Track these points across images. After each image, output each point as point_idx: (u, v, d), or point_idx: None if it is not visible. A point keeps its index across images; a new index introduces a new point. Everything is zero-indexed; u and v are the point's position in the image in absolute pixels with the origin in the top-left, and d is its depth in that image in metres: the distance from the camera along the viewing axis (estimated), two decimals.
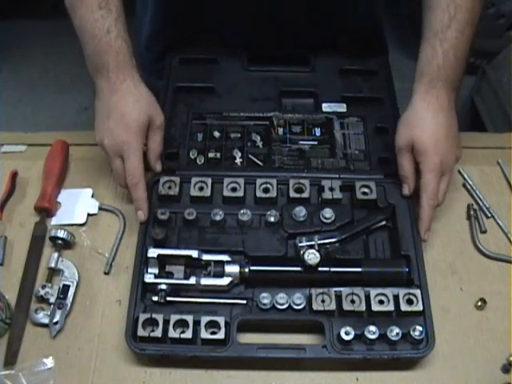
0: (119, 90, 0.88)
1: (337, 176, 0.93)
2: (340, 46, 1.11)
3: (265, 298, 0.81)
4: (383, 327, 0.78)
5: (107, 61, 0.87)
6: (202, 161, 0.96)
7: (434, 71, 0.87)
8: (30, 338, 0.82)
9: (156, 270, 0.82)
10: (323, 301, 0.80)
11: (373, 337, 0.77)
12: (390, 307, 0.80)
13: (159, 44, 1.13)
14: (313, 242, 0.84)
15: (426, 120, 0.87)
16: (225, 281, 0.82)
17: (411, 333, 0.77)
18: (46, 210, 0.93)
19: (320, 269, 0.82)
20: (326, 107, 1.02)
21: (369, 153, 0.96)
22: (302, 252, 0.83)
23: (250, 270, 0.82)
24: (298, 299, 0.80)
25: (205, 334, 0.78)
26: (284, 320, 0.81)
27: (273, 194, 0.90)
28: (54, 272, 0.87)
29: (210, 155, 0.96)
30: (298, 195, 0.90)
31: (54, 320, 0.82)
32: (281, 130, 0.99)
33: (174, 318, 0.79)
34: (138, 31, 1.15)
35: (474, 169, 1.00)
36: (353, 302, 0.80)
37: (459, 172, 0.99)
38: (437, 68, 0.87)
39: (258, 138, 0.98)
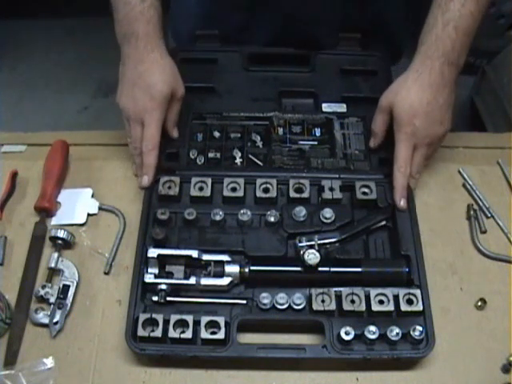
0: (146, 60, 0.89)
1: (337, 176, 0.93)
2: (340, 46, 1.11)
3: (265, 298, 0.81)
4: (383, 327, 0.78)
5: (137, 29, 0.89)
6: (202, 161, 0.96)
7: (431, 40, 0.87)
8: (30, 338, 0.82)
9: (156, 270, 0.82)
10: (323, 301, 0.80)
11: (373, 337, 0.77)
12: (390, 307, 0.80)
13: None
14: (313, 242, 0.84)
15: (410, 91, 0.87)
16: (225, 281, 0.82)
17: (411, 333, 0.77)
18: (46, 210, 0.93)
19: (320, 269, 0.82)
20: (325, 107, 1.02)
21: (369, 153, 0.96)
22: (302, 252, 0.82)
23: (250, 270, 0.82)
24: (298, 299, 0.80)
25: (205, 334, 0.78)
26: (284, 320, 0.81)
27: (273, 194, 0.90)
28: (54, 272, 0.87)
29: (210, 155, 0.96)
30: (298, 195, 0.90)
31: (54, 320, 0.82)
32: (281, 130, 0.99)
33: (173, 317, 0.79)
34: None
35: (474, 169, 1.00)
36: (353, 302, 0.80)
37: (459, 172, 0.99)
38: (435, 37, 0.86)
39: (258, 138, 0.98)
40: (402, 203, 0.88)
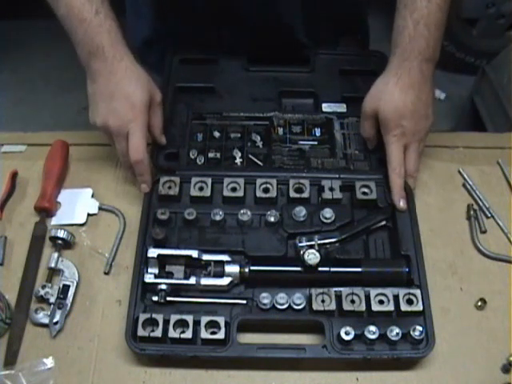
0: (118, 70, 0.87)
1: (337, 176, 0.93)
2: (340, 46, 1.11)
3: (265, 298, 0.81)
4: (383, 327, 0.78)
5: (100, 41, 0.87)
6: (202, 161, 0.96)
7: (405, 42, 0.87)
8: (30, 337, 0.82)
9: (156, 270, 0.82)
10: (323, 301, 0.80)
11: (373, 337, 0.77)
12: (390, 307, 0.80)
13: (155, 50, 1.13)
14: (313, 242, 0.84)
15: (393, 95, 0.87)
16: (225, 281, 0.82)
17: (411, 333, 0.77)
18: (46, 210, 0.93)
19: (320, 269, 0.82)
20: (325, 107, 1.03)
21: (369, 153, 0.96)
22: (302, 252, 0.82)
23: (250, 270, 0.82)
24: (298, 299, 0.80)
25: (205, 334, 0.78)
26: (284, 320, 0.81)
27: (273, 194, 0.90)
28: (54, 272, 0.87)
29: (210, 155, 0.96)
30: (298, 195, 0.90)
31: (54, 320, 0.82)
32: (281, 130, 0.99)
33: (173, 317, 0.79)
34: (131, 35, 1.15)
35: (474, 169, 1.00)
36: (353, 302, 0.80)
37: (459, 172, 0.99)
38: (408, 39, 0.87)
39: (258, 137, 0.98)
40: (401, 204, 0.88)
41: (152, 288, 0.82)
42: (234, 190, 0.91)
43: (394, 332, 0.77)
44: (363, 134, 0.95)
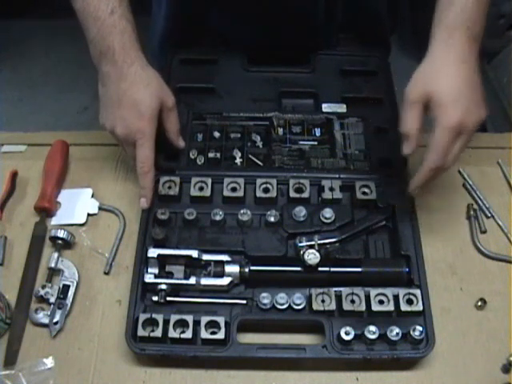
0: (128, 76, 0.85)
1: (337, 176, 0.93)
2: (340, 46, 1.11)
3: (265, 298, 0.81)
4: (383, 327, 0.78)
5: (112, 42, 0.84)
6: (202, 161, 0.96)
7: (453, 16, 0.78)
8: (30, 338, 0.82)
9: (156, 270, 0.82)
10: (323, 301, 0.80)
11: (373, 337, 0.77)
12: (390, 307, 0.80)
13: (173, 40, 1.12)
14: (313, 242, 0.84)
15: (446, 72, 0.77)
16: (225, 281, 0.82)
17: (411, 333, 0.77)
18: (46, 210, 0.93)
19: (320, 269, 0.82)
20: (325, 107, 1.02)
21: (369, 153, 0.96)
22: (302, 252, 0.83)
23: (250, 270, 0.82)
24: (298, 299, 0.81)
25: (205, 334, 0.78)
26: (284, 320, 0.81)
27: (273, 194, 0.90)
28: (54, 272, 0.87)
29: (210, 155, 0.96)
30: (298, 195, 0.90)
31: (54, 320, 0.82)
32: (281, 130, 0.99)
33: (174, 317, 0.79)
34: (152, 30, 1.14)
35: (474, 169, 1.00)
36: (353, 302, 0.80)
37: (459, 172, 0.99)
38: (457, 12, 0.78)
39: (258, 138, 0.98)
40: (415, 191, 0.83)
41: (152, 288, 0.82)
42: (233, 190, 0.91)
43: (394, 332, 0.77)
44: (405, 129, 0.79)
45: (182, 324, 0.79)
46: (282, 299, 0.81)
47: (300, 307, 0.80)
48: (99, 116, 0.89)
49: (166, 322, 0.78)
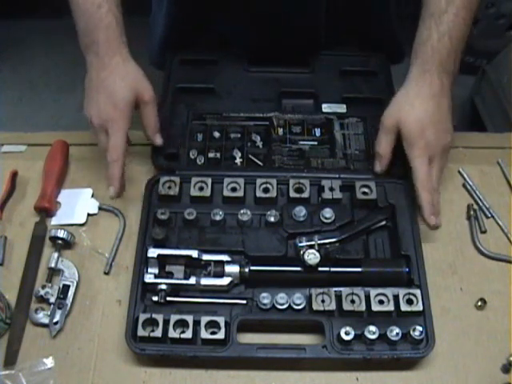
0: (108, 66, 0.88)
1: (337, 176, 0.93)
2: (341, 47, 1.11)
3: (265, 298, 0.81)
4: (383, 327, 0.78)
5: (97, 36, 0.88)
6: (202, 161, 0.96)
7: (427, 53, 0.87)
8: (30, 337, 0.82)
9: (156, 270, 0.82)
10: (323, 301, 0.80)
11: (373, 337, 0.77)
12: (390, 307, 0.80)
13: (173, 41, 1.13)
14: (313, 242, 0.84)
15: (414, 105, 0.87)
16: (225, 281, 0.82)
17: (411, 333, 0.77)
18: (46, 210, 0.93)
19: (320, 269, 0.82)
20: (326, 108, 1.02)
21: (369, 153, 0.96)
22: (302, 252, 0.83)
23: (250, 270, 0.82)
24: (298, 299, 0.81)
25: (205, 334, 0.78)
26: (284, 320, 0.81)
27: (273, 194, 0.90)
28: (54, 272, 0.87)
29: (210, 155, 0.96)
30: (298, 195, 0.90)
31: (54, 320, 0.82)
32: (281, 131, 0.99)
33: (174, 318, 0.79)
34: (152, 30, 1.15)
35: (474, 169, 1.00)
36: (353, 301, 0.80)
37: (459, 172, 0.99)
38: (431, 50, 0.87)
39: (258, 138, 0.98)
40: (433, 221, 0.85)
41: (152, 288, 0.82)
42: (234, 190, 0.91)
43: (394, 332, 0.77)
44: (378, 150, 0.91)
45: (182, 324, 0.79)
46: (282, 299, 0.81)
47: (300, 307, 0.80)
48: (84, 102, 0.90)
49: (166, 322, 0.78)
